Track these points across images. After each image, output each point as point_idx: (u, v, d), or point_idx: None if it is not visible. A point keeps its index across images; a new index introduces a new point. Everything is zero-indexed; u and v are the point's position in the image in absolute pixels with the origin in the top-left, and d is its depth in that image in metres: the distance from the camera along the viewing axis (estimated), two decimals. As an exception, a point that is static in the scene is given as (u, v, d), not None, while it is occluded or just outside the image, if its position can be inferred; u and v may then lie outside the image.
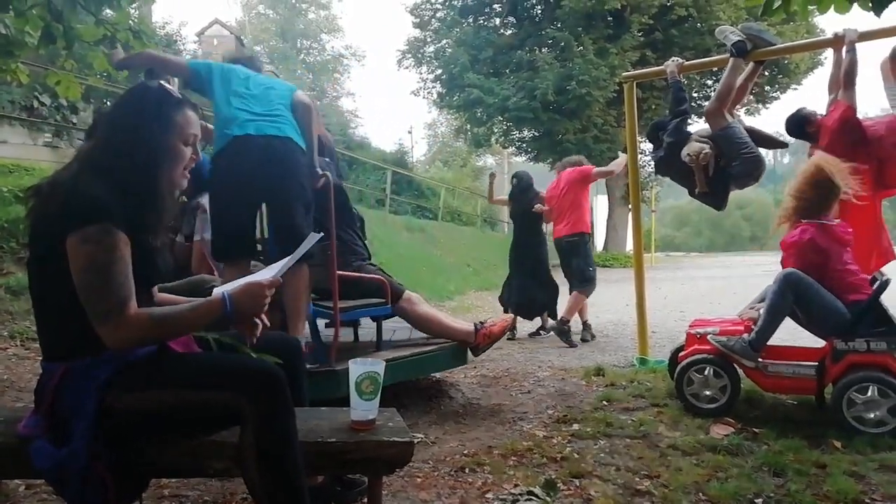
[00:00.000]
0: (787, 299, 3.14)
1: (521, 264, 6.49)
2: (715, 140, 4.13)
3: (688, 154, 4.14)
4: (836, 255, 3.18)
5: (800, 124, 4.04)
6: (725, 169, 4.14)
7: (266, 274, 1.75)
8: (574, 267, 6.16)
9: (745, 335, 3.24)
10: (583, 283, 6.13)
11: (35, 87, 8.74)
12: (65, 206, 1.50)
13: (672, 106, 4.57)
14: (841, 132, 3.73)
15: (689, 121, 4.79)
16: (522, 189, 6.55)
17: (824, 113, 3.99)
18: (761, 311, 3.27)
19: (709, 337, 3.36)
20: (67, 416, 1.51)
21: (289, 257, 1.81)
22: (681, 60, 4.71)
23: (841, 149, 3.66)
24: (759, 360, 3.24)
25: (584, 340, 6.09)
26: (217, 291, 1.67)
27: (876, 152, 3.72)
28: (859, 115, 3.76)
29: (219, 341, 1.76)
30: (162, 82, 1.72)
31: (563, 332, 5.92)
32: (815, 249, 3.15)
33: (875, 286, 3.08)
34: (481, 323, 3.59)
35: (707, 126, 4.30)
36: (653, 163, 4.68)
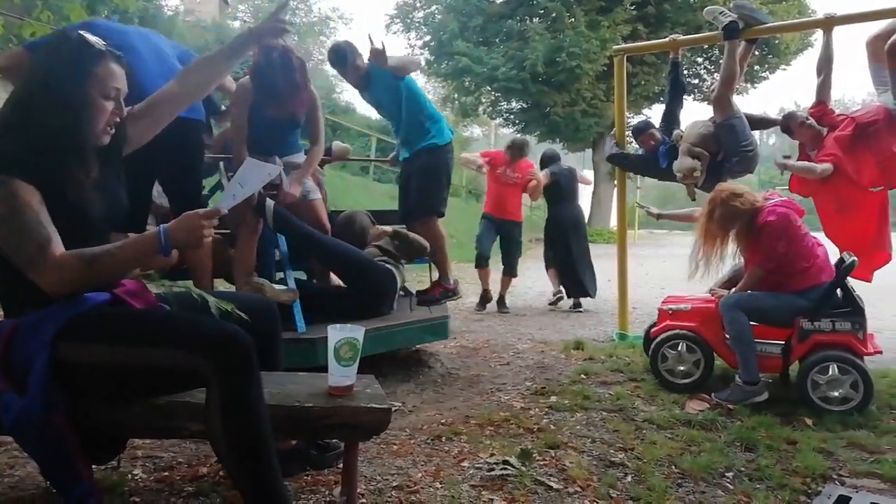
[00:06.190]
0: (742, 318, 3.16)
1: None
2: (717, 131, 4.10)
3: (679, 171, 4.15)
4: (798, 234, 3.20)
5: (788, 129, 4.10)
6: (723, 163, 4.12)
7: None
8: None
9: (737, 379, 3.15)
10: None
11: (10, 38, 8.45)
12: None
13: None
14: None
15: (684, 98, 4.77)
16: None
17: (814, 100, 3.99)
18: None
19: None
20: (21, 371, 1.50)
21: (236, 189, 1.68)
22: (677, 36, 4.68)
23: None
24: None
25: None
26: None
27: (878, 148, 3.67)
28: (846, 102, 3.78)
29: (180, 301, 1.73)
30: (82, 32, 1.61)
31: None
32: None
33: (841, 268, 3.11)
34: None
35: (699, 121, 4.27)
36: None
